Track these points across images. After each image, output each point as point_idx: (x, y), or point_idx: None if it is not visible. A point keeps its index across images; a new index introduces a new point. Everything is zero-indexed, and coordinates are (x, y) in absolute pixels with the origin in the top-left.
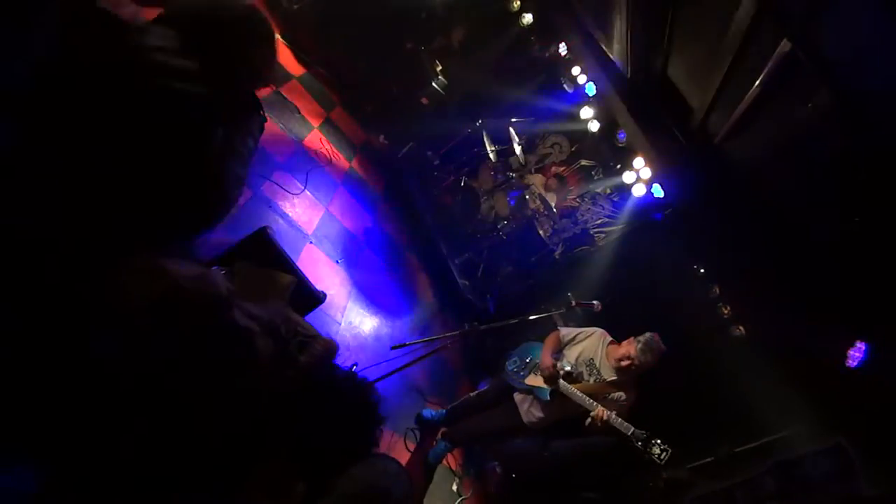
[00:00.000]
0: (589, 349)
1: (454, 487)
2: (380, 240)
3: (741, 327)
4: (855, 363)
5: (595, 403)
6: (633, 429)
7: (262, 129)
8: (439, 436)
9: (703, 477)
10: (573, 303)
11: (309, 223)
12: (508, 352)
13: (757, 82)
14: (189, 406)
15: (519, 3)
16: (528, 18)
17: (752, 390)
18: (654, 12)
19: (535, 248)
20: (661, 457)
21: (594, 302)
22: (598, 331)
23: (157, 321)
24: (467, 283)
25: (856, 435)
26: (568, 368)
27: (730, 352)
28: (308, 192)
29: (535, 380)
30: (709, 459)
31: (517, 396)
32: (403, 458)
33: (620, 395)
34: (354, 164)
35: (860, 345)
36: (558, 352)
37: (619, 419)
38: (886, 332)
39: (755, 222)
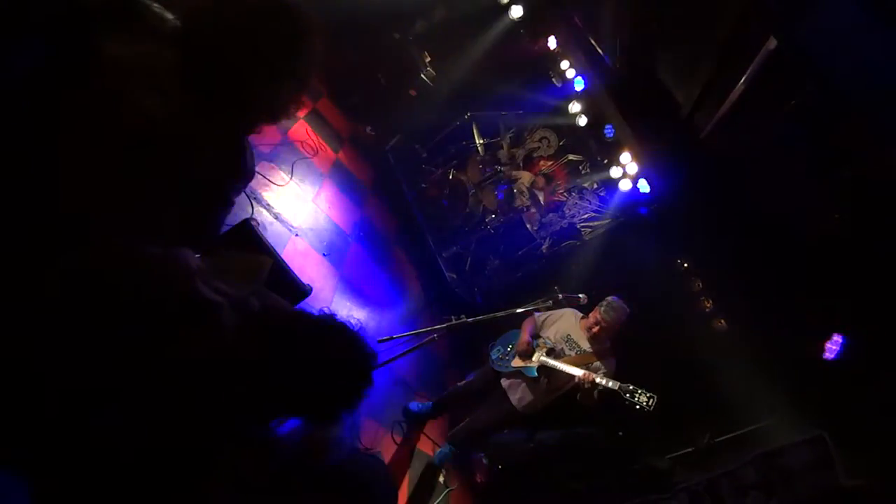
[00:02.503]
0: (564, 326)
1: (441, 479)
2: (367, 233)
3: (722, 320)
4: (832, 355)
5: (579, 370)
6: (618, 383)
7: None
8: (446, 441)
9: (684, 466)
10: (560, 296)
11: (294, 216)
12: (491, 342)
13: (742, 79)
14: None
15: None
16: (516, 11)
17: (733, 382)
18: (643, 8)
19: (522, 241)
20: (649, 403)
21: (580, 295)
22: (569, 310)
23: (119, 293)
24: (455, 276)
25: (834, 426)
26: (550, 345)
27: (711, 344)
28: (294, 184)
29: (520, 362)
30: (690, 449)
31: (505, 382)
32: (390, 450)
33: (599, 364)
34: (341, 155)
35: (837, 337)
36: (536, 335)
37: (605, 378)
38: (862, 325)
39: (738, 218)
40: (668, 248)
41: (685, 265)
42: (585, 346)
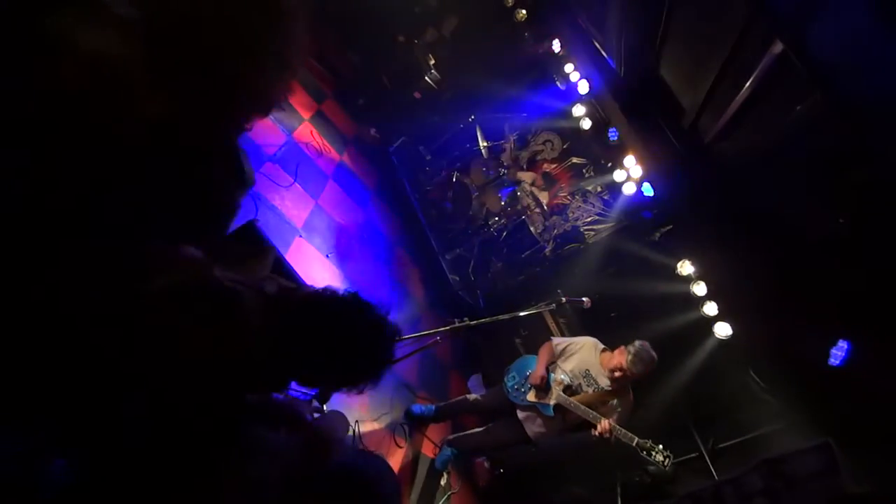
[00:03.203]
0: (584, 360)
1: (442, 482)
2: (370, 234)
3: (726, 324)
4: (837, 361)
5: (598, 416)
6: (636, 439)
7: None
8: (444, 443)
9: (687, 472)
10: (563, 299)
11: (299, 216)
12: (507, 366)
13: (748, 83)
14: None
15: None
16: (522, 14)
17: (738, 386)
18: (648, 11)
19: (525, 244)
20: (665, 463)
21: (584, 298)
22: (591, 340)
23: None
24: (457, 278)
25: (840, 432)
26: (567, 382)
27: (716, 348)
28: (298, 185)
29: (535, 395)
30: (693, 455)
31: (521, 414)
32: (392, 453)
33: (618, 401)
34: (345, 157)
35: (842, 343)
36: (553, 363)
37: (623, 430)
38: (868, 330)
39: (743, 222)
40: (671, 252)
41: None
42: (604, 383)
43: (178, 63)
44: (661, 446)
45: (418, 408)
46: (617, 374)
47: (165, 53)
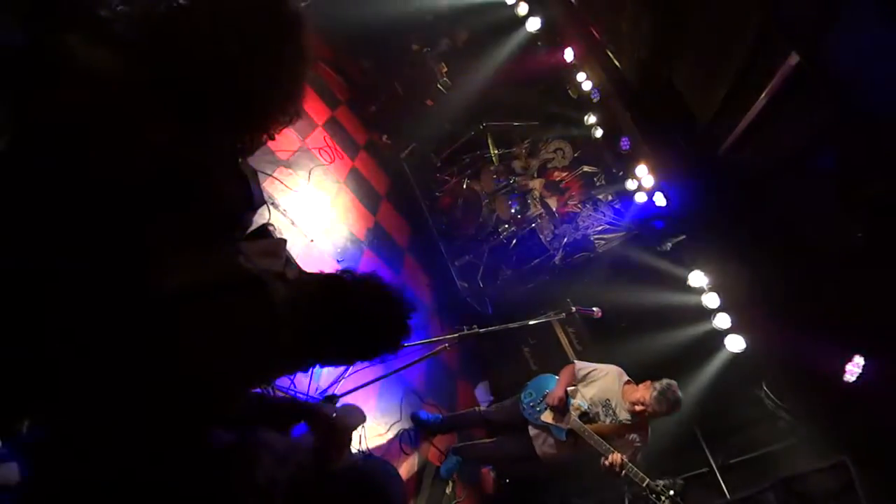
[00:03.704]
0: (605, 389)
1: (448, 490)
2: (380, 239)
3: (739, 337)
4: (853, 378)
5: (610, 449)
6: (647, 480)
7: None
8: (450, 451)
9: (698, 487)
10: (573, 309)
11: (310, 221)
12: (524, 383)
13: (763, 94)
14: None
15: (526, 7)
16: (534, 23)
17: (749, 401)
18: (662, 20)
19: (535, 252)
20: None
21: (594, 308)
22: (615, 370)
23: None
24: (466, 285)
25: (856, 451)
26: (584, 408)
27: (727, 362)
28: (311, 190)
29: (551, 416)
30: (704, 470)
31: (532, 431)
32: (399, 459)
33: (635, 436)
34: (357, 163)
35: (858, 359)
36: (573, 386)
37: (635, 469)
38: (885, 347)
39: (757, 233)
40: (683, 263)
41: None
42: (623, 416)
43: (181, 85)
44: (672, 492)
45: (425, 414)
46: (638, 407)
47: (168, 76)
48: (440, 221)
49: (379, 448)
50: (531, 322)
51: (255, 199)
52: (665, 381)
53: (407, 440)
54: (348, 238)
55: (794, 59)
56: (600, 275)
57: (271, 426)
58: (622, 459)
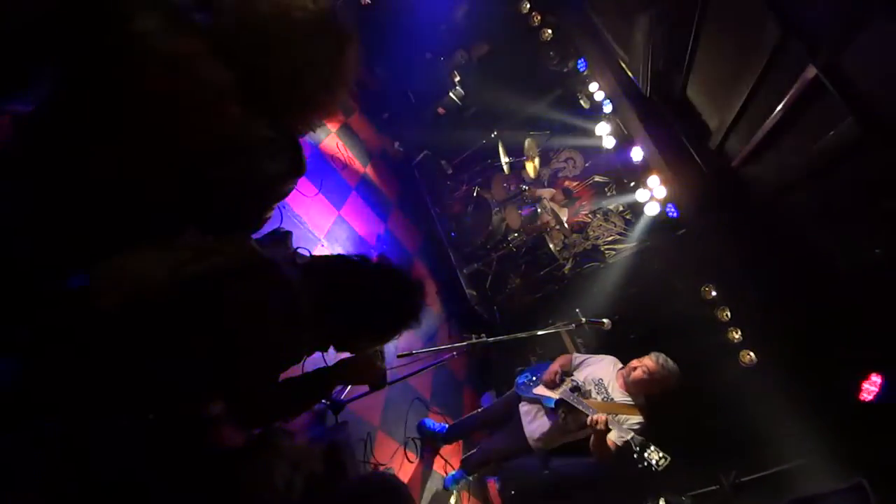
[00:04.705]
0: (599, 370)
1: (452, 500)
2: (390, 246)
3: (751, 353)
4: (871, 396)
5: (596, 411)
6: (632, 433)
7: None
8: (459, 465)
9: None
10: (583, 320)
11: (321, 227)
12: (521, 368)
13: (779, 107)
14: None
15: (539, 17)
16: (548, 33)
17: (761, 418)
18: (676, 31)
19: (544, 262)
20: (659, 463)
21: (604, 320)
22: (610, 357)
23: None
24: (475, 293)
25: (874, 472)
26: (577, 383)
27: (739, 377)
28: (322, 196)
29: (542, 390)
30: (714, 488)
31: (523, 408)
32: (403, 467)
33: (628, 418)
34: (369, 169)
35: (876, 377)
36: (569, 373)
37: (619, 424)
38: None
39: (771, 247)
40: (695, 275)
41: (713, 293)
42: (616, 395)
43: (252, 74)
44: (656, 446)
45: (431, 423)
46: (636, 372)
47: (244, 64)
48: (450, 229)
49: (384, 454)
50: (540, 332)
51: (305, 166)
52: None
53: (413, 449)
54: (358, 243)
55: (811, 71)
56: (610, 285)
57: (301, 405)
58: (604, 419)
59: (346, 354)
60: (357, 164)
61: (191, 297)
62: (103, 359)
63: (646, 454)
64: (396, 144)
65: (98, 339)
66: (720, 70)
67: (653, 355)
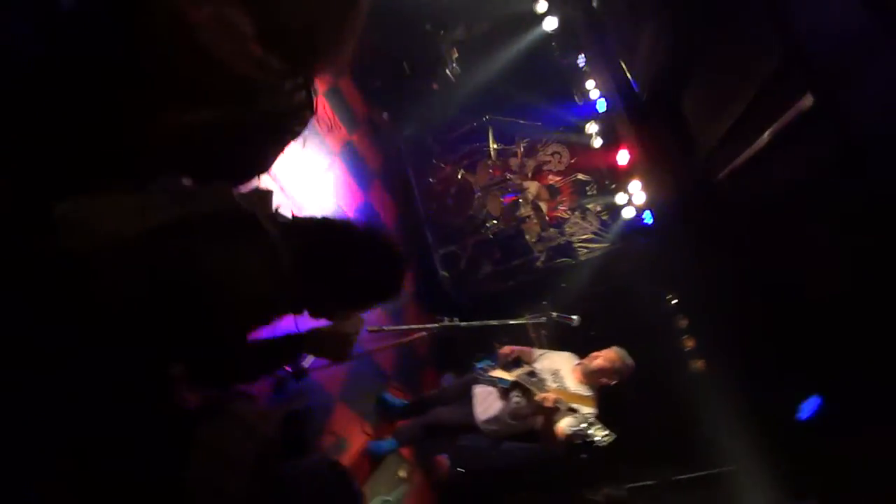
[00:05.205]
0: (557, 362)
1: (401, 473)
2: (368, 217)
3: (701, 362)
4: (806, 415)
5: (549, 389)
6: (582, 423)
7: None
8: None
9: (643, 499)
10: (553, 314)
11: (299, 189)
12: (482, 355)
13: (769, 131)
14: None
15: (545, 5)
16: (551, 23)
17: (703, 423)
18: (682, 41)
19: (519, 252)
20: (602, 439)
21: (573, 317)
22: (568, 353)
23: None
24: (447, 275)
25: (808, 489)
26: (533, 369)
27: (688, 382)
28: (303, 158)
29: (500, 372)
30: (650, 482)
31: (476, 389)
32: (358, 439)
33: (580, 407)
34: (355, 137)
35: (814, 399)
36: (528, 363)
37: (568, 403)
38: (843, 388)
39: (736, 265)
40: (660, 282)
41: (674, 301)
42: (571, 386)
43: (264, 23)
44: (601, 424)
45: (390, 397)
46: (595, 361)
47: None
48: (429, 207)
49: (340, 425)
50: (512, 321)
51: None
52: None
53: (369, 420)
54: (335, 211)
55: (807, 101)
56: (579, 282)
57: (264, 369)
58: (555, 399)
59: (320, 322)
60: (343, 129)
61: (162, 247)
62: (65, 307)
63: (591, 431)
64: (385, 115)
65: (61, 284)
66: (717, 86)
67: (614, 348)
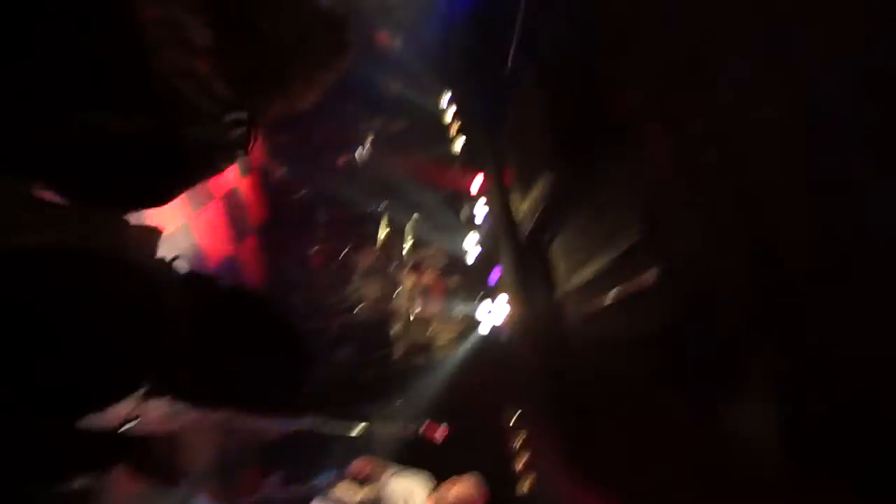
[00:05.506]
0: (407, 487)
1: None
2: (233, 271)
3: (530, 483)
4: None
5: None
6: None
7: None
8: None
9: None
10: (416, 427)
11: (165, 226)
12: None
13: (615, 292)
14: None
15: (456, 129)
16: (457, 144)
17: None
18: (563, 194)
19: (381, 343)
20: None
21: (443, 426)
22: (424, 474)
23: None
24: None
25: None
26: (380, 494)
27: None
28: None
29: (344, 490)
30: None
31: None
32: None
33: None
34: (244, 183)
35: None
36: (375, 481)
37: None
38: None
39: (573, 400)
40: (507, 399)
41: (514, 421)
42: None
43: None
44: None
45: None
46: (454, 496)
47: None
48: (303, 277)
49: None
50: (362, 424)
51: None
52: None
53: None
54: (198, 257)
55: (652, 274)
56: (433, 385)
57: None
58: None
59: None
60: (234, 172)
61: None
62: None
63: None
64: (283, 170)
65: None
66: (584, 241)
67: (471, 480)
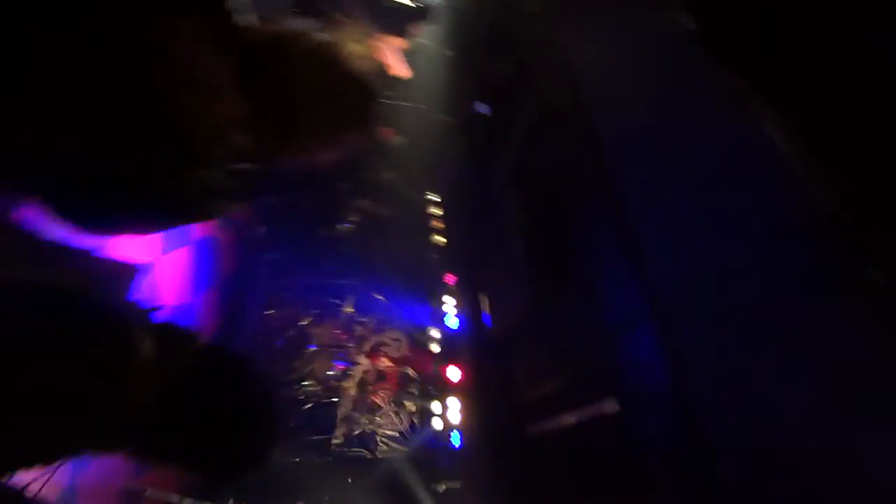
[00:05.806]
0: None
1: None
2: (186, 319)
3: None
4: None
5: None
6: None
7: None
8: None
9: None
10: None
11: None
12: None
13: (577, 413)
14: None
15: (443, 229)
16: (440, 240)
17: None
18: (534, 306)
19: (320, 426)
20: None
21: None
22: None
23: None
24: None
25: None
26: None
27: None
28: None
29: None
30: None
31: None
32: None
33: None
34: (219, 235)
35: None
36: None
37: None
38: None
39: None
40: None
41: None
42: None
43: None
44: None
45: None
46: None
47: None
48: (255, 339)
49: None
50: None
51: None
52: None
53: None
54: (153, 301)
55: (612, 405)
56: (367, 480)
57: None
58: None
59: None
60: (212, 221)
61: None
62: None
63: None
64: (261, 231)
65: None
66: (544, 363)
67: None
